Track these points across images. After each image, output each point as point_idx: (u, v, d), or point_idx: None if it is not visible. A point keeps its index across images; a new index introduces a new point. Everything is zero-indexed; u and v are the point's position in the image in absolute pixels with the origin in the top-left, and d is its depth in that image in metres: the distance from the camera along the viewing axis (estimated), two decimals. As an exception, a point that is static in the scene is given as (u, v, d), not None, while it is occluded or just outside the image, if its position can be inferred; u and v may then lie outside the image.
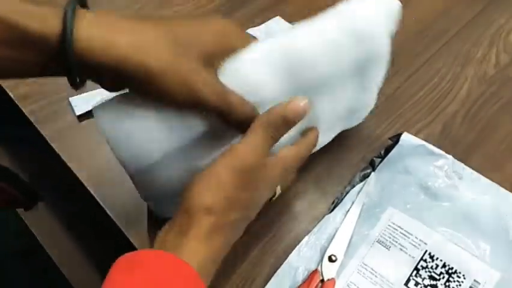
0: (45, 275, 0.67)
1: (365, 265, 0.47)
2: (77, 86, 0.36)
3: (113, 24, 0.35)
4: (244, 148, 0.37)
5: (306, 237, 0.48)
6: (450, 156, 0.52)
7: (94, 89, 0.55)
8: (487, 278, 0.45)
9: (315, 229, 0.48)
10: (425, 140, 0.53)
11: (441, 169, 0.50)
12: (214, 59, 0.38)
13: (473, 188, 0.50)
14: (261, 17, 0.68)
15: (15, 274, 0.67)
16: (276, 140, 0.39)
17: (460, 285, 0.45)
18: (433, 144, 0.53)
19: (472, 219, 0.48)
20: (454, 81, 0.62)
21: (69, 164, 0.52)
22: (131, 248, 0.47)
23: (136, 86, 0.36)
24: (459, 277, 0.45)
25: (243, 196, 0.37)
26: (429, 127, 0.57)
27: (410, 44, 0.66)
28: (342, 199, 0.50)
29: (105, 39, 0.34)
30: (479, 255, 0.46)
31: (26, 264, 0.68)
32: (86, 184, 0.51)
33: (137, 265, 0.33)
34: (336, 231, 0.48)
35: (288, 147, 0.41)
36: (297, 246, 0.48)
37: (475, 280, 0.45)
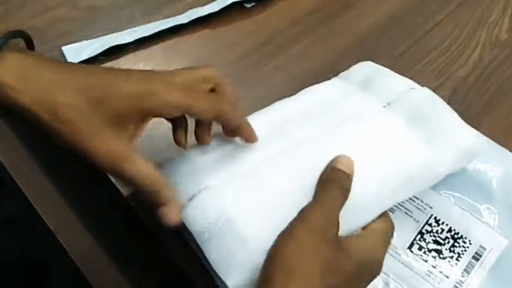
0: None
1: (368, 228, 0.45)
2: None
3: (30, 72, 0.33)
4: (313, 207, 0.34)
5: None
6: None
7: (88, 39, 0.53)
8: (494, 245, 0.43)
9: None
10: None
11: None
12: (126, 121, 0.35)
13: (483, 154, 0.48)
14: None
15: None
16: (345, 192, 0.36)
17: (465, 250, 0.44)
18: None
19: (480, 184, 0.46)
20: (465, 45, 0.60)
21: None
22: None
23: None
24: (464, 242, 0.44)
25: (326, 258, 0.32)
26: (438, 91, 0.53)
27: (422, 5, 0.63)
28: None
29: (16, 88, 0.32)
30: (487, 220, 0.44)
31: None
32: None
33: None
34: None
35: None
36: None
37: (481, 246, 0.44)
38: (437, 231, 0.44)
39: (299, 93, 0.47)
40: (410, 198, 0.46)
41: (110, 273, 0.45)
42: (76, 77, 0.34)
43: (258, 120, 0.41)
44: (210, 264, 0.37)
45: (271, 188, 0.38)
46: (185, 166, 0.40)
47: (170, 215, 0.36)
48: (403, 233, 0.45)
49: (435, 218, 0.45)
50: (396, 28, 0.60)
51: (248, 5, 0.60)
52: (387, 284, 0.43)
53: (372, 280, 0.37)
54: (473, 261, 0.43)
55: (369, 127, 0.41)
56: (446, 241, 0.44)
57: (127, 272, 0.44)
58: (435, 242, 0.44)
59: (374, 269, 0.36)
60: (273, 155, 0.39)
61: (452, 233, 0.44)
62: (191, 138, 0.40)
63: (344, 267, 0.33)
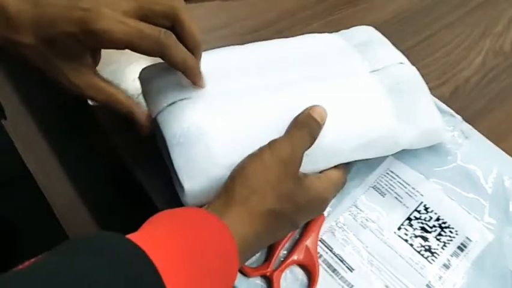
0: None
1: (357, 207, 0.45)
2: None
3: None
4: (283, 141, 0.38)
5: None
6: (458, 116, 0.50)
7: None
8: (480, 238, 0.44)
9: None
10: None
11: (448, 125, 0.49)
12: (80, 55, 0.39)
13: (478, 150, 0.48)
14: None
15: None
16: (313, 137, 0.40)
17: (451, 240, 0.44)
18: (442, 105, 0.51)
19: (473, 178, 0.46)
20: (470, 49, 0.60)
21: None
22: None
23: None
24: (451, 232, 0.44)
25: (285, 186, 0.37)
26: (440, 88, 0.55)
27: (432, 8, 0.64)
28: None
29: None
30: (475, 214, 0.45)
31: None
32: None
33: (177, 216, 0.34)
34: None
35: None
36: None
37: (467, 237, 0.44)
38: (425, 219, 0.45)
39: (300, 36, 0.49)
40: (402, 184, 0.46)
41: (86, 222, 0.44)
42: (27, 12, 0.36)
43: (250, 50, 0.45)
44: (173, 168, 0.38)
45: (248, 114, 0.40)
46: (170, 75, 0.41)
47: (142, 123, 0.41)
48: (391, 216, 0.45)
49: (424, 205, 0.45)
50: (405, 25, 0.61)
51: (264, -18, 0.61)
52: (371, 263, 0.43)
53: (317, 215, 0.43)
54: (458, 251, 0.43)
55: (349, 86, 0.44)
56: (433, 229, 0.44)
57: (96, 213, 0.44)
58: (423, 228, 0.44)
59: (322, 206, 0.42)
60: (258, 86, 0.42)
61: (440, 222, 0.45)
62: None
63: (297, 198, 0.38)
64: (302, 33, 0.57)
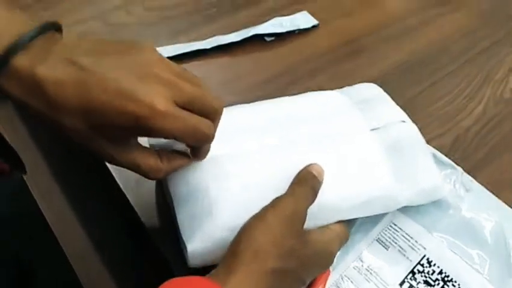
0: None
1: (362, 261, 0.47)
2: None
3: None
4: (286, 198, 0.40)
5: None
6: (459, 168, 0.52)
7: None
8: (482, 291, 0.45)
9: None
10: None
11: (450, 179, 0.50)
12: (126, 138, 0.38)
13: (479, 202, 0.49)
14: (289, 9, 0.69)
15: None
16: (315, 193, 0.41)
17: (454, 294, 0.45)
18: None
19: (475, 231, 0.47)
20: (471, 97, 0.62)
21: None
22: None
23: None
24: (454, 286, 0.45)
25: (288, 243, 0.37)
26: (441, 138, 0.57)
27: (434, 57, 0.66)
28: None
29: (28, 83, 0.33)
30: (477, 267, 0.46)
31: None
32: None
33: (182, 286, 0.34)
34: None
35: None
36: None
37: (469, 291, 0.45)
38: (428, 272, 0.46)
39: (305, 94, 0.51)
40: (405, 237, 0.48)
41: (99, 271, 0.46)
42: (73, 97, 0.34)
43: (254, 110, 0.47)
44: (178, 227, 0.40)
45: (252, 175, 0.42)
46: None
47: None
48: (395, 269, 0.46)
49: (427, 259, 0.46)
50: (406, 75, 0.63)
51: (268, 39, 0.64)
52: (375, 318, 0.44)
53: (324, 270, 0.43)
54: (461, 305, 0.44)
55: (349, 146, 0.46)
56: (437, 283, 0.45)
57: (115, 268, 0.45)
58: (426, 282, 0.45)
59: (327, 260, 0.43)
60: (261, 146, 0.44)
61: (443, 275, 0.46)
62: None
63: (301, 254, 0.38)
64: (306, 87, 0.59)
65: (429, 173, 0.47)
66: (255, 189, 0.41)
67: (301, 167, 0.42)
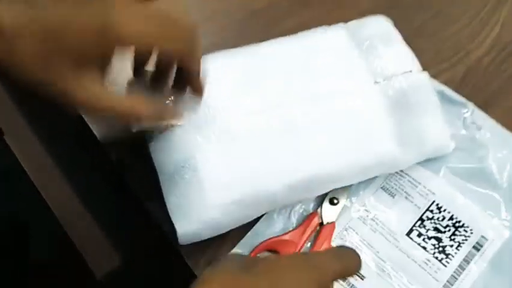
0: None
1: (367, 211, 0.44)
2: None
3: None
4: None
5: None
6: (471, 105, 0.47)
7: None
8: (496, 235, 0.42)
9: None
10: (445, 84, 0.49)
11: (460, 118, 0.46)
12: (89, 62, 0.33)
13: (492, 141, 0.46)
14: None
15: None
16: None
17: (466, 239, 0.42)
18: (453, 90, 0.48)
19: (487, 172, 0.44)
20: (484, 23, 0.56)
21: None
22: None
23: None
24: (466, 231, 0.42)
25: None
26: (451, 70, 0.52)
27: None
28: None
29: None
30: (491, 210, 0.43)
31: None
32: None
33: None
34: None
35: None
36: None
37: (482, 236, 0.42)
38: (438, 219, 0.43)
39: (300, 36, 0.46)
40: (412, 183, 0.44)
41: (92, 232, 0.45)
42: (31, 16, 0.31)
43: (251, 55, 0.43)
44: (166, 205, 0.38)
45: (242, 149, 0.39)
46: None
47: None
48: (403, 218, 0.43)
49: (437, 204, 0.44)
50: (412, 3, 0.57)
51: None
52: (383, 270, 0.42)
53: None
54: (474, 251, 0.42)
55: (350, 105, 0.42)
56: (447, 229, 0.43)
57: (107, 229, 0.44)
58: (436, 229, 0.43)
59: None
60: (251, 111, 0.40)
61: (454, 221, 0.43)
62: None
63: None
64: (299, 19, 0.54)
65: (437, 131, 0.43)
66: (247, 164, 0.39)
67: (298, 132, 0.40)
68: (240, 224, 0.41)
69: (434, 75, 0.50)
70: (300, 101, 0.41)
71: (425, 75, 0.44)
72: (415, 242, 0.42)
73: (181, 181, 0.37)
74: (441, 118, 0.43)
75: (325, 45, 0.45)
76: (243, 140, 0.40)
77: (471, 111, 0.47)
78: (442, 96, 0.47)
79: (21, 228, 0.67)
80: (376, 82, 0.43)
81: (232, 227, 0.40)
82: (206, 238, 0.38)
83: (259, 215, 0.42)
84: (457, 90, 0.49)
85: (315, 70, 0.43)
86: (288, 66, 0.43)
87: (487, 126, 0.46)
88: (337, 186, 0.43)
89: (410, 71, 0.43)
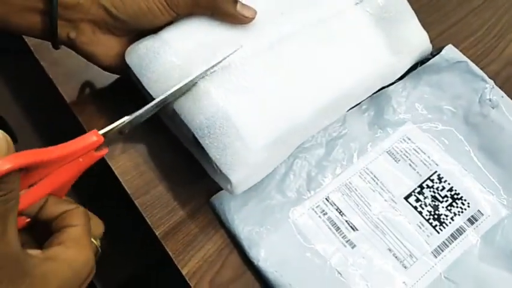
0: None
1: (368, 170, 0.44)
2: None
3: None
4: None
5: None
6: (491, 81, 0.47)
7: None
8: (492, 212, 0.42)
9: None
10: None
11: (477, 93, 0.47)
12: None
13: (503, 121, 0.45)
14: None
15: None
16: None
17: (461, 211, 0.42)
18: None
19: (494, 151, 0.44)
20: (500, 36, 0.58)
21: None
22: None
23: None
24: (463, 204, 0.43)
25: None
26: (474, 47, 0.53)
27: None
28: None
29: None
30: (491, 188, 0.43)
31: None
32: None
33: None
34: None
35: None
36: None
37: (478, 210, 0.42)
38: (437, 188, 0.43)
39: None
40: (417, 152, 0.45)
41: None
42: None
43: None
44: (209, 161, 0.38)
45: (259, 87, 0.39)
46: (170, 53, 0.39)
47: None
48: (403, 182, 0.44)
49: (438, 175, 0.44)
50: (427, 13, 0.58)
51: None
52: (376, 226, 0.41)
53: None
54: (468, 223, 0.42)
55: (346, 27, 0.44)
56: (445, 199, 0.43)
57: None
58: (434, 197, 0.43)
59: None
60: (260, 51, 0.40)
61: (453, 192, 0.43)
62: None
63: None
64: None
65: (420, 34, 0.46)
66: (272, 101, 0.39)
67: (306, 69, 0.41)
68: (281, 161, 0.42)
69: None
70: (301, 29, 0.42)
71: None
72: (412, 206, 0.42)
73: (219, 134, 0.37)
74: (418, 23, 0.46)
75: None
76: (261, 79, 0.40)
77: (490, 88, 0.47)
78: (465, 67, 0.48)
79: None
80: (356, 3, 0.45)
81: (275, 166, 0.41)
82: (256, 182, 0.39)
83: (293, 150, 0.42)
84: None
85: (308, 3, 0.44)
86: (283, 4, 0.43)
87: (504, 105, 0.46)
88: (352, 105, 0.44)
89: None
